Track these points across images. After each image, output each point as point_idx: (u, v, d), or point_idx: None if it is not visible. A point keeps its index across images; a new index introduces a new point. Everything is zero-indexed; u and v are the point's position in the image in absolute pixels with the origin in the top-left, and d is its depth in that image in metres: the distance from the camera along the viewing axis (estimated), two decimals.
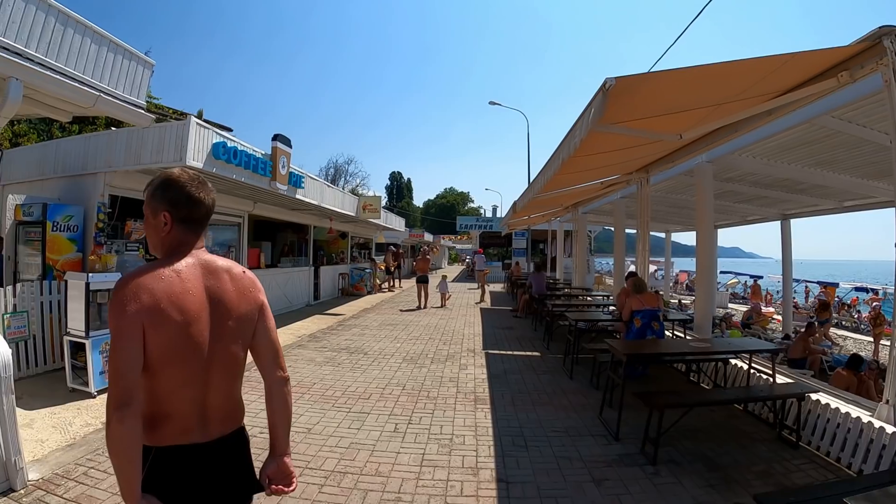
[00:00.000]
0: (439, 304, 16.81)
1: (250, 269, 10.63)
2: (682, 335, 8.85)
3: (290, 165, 10.74)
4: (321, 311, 14.84)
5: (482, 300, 18.48)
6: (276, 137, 10.02)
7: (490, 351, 9.48)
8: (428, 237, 39.99)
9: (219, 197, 8.84)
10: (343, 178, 57.94)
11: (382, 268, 25.03)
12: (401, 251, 25.57)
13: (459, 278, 34.61)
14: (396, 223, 24.02)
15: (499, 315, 14.94)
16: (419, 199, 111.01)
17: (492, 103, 29.38)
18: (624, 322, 7.55)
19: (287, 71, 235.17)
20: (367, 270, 21.15)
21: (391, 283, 23.79)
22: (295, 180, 10.89)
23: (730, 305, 22.69)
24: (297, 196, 11.25)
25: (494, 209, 43.84)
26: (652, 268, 38.99)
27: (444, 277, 17.22)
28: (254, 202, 12.24)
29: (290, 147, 10.53)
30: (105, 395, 1.77)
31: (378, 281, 23.55)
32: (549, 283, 17.02)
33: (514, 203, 12.14)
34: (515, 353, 9.42)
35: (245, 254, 12.24)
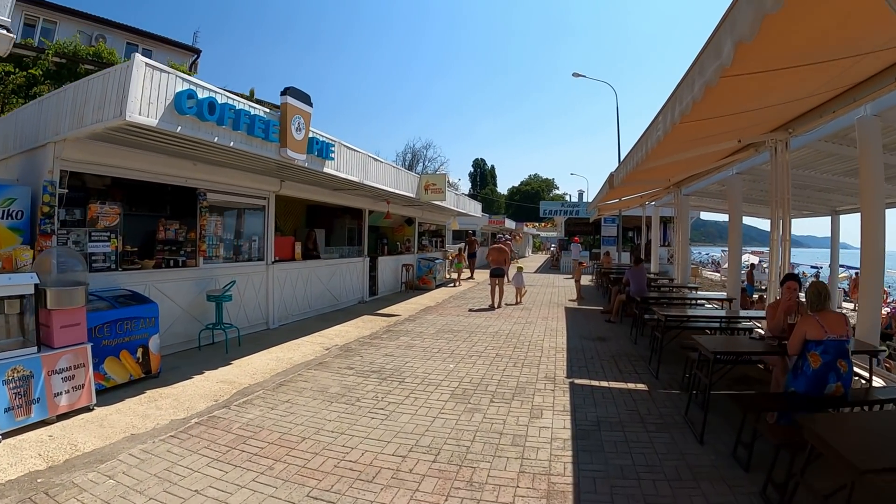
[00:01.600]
0: (514, 301, 14.09)
1: (280, 261, 6.47)
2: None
3: (314, 129, 8.34)
4: (373, 311, 12.49)
5: (579, 296, 15.57)
6: (286, 91, 7.61)
7: (577, 381, 6.63)
8: (509, 224, 36.94)
9: (229, 174, 3.79)
10: (421, 164, 56.01)
11: (456, 257, 22.56)
12: (475, 239, 22.91)
13: (543, 268, 31.53)
14: (471, 207, 21.29)
15: (587, 318, 11.99)
16: (503, 187, 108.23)
17: (575, 75, 26.37)
18: (786, 355, 4.62)
19: (366, 61, 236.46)
20: (438, 261, 18.69)
21: (464, 275, 21.24)
22: (320, 148, 8.47)
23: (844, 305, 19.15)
24: (326, 170, 8.83)
25: (580, 194, 40.43)
26: (754, 259, 34.51)
27: (520, 270, 14.44)
28: (280, 180, 9.98)
29: (310, 105, 8.11)
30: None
31: (450, 274, 21.11)
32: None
33: (610, 176, 9.20)
34: (612, 384, 6.51)
35: (270, 243, 9.99)
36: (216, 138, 6.28)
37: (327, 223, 16.41)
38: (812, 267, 33.50)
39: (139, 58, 5.44)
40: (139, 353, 6.43)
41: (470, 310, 12.99)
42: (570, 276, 23.77)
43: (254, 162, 8.01)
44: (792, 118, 6.39)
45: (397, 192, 12.27)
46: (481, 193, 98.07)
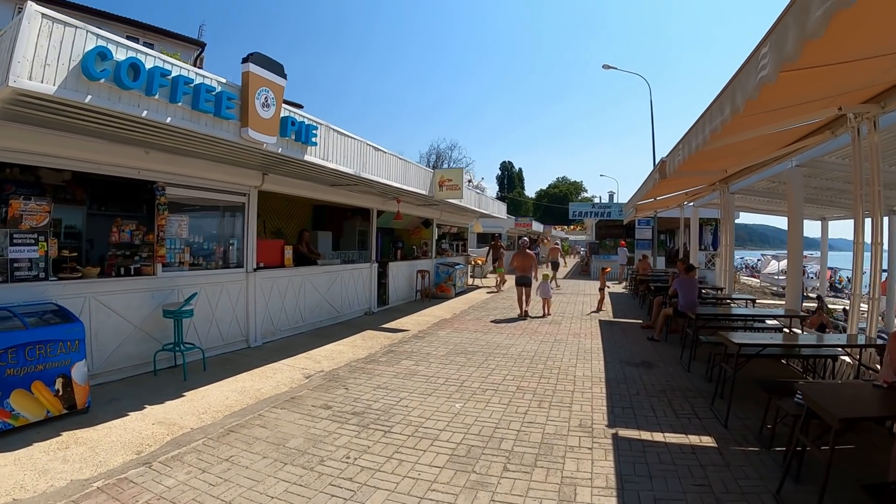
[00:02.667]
0: (541, 314, 12.44)
1: (264, 267, 8.95)
2: None
3: (290, 107, 6.86)
4: (379, 324, 10.96)
5: (599, 308, 13.76)
6: (249, 57, 6.11)
7: (621, 432, 4.93)
8: (536, 226, 35.09)
9: (194, 164, 4.24)
10: (446, 165, 54.38)
11: (480, 262, 20.92)
12: (500, 244, 21.23)
13: (572, 273, 29.70)
14: (495, 208, 19.60)
15: (626, 334, 10.24)
16: (530, 191, 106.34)
17: (606, 67, 24.62)
18: None
19: (389, 64, 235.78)
20: (459, 266, 17.10)
21: (488, 281, 19.71)
22: (298, 130, 6.95)
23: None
24: (308, 158, 7.30)
25: (611, 196, 38.27)
26: (783, 263, 32.12)
27: (546, 277, 12.70)
28: (262, 173, 8.53)
29: (283, 77, 6.63)
30: None
31: (473, 278, 19.58)
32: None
33: (661, 164, 7.35)
34: (669, 436, 4.81)
35: (251, 247, 8.54)
36: (145, 112, 4.80)
37: (336, 225, 15.03)
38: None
39: (33, 7, 4.00)
40: (58, 385, 5.01)
41: (492, 321, 11.38)
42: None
43: (220, 149, 6.57)
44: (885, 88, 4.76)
45: (406, 188, 10.70)
46: (509, 196, 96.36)
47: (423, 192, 11.46)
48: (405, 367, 7.38)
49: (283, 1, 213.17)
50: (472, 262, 20.36)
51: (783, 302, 20.35)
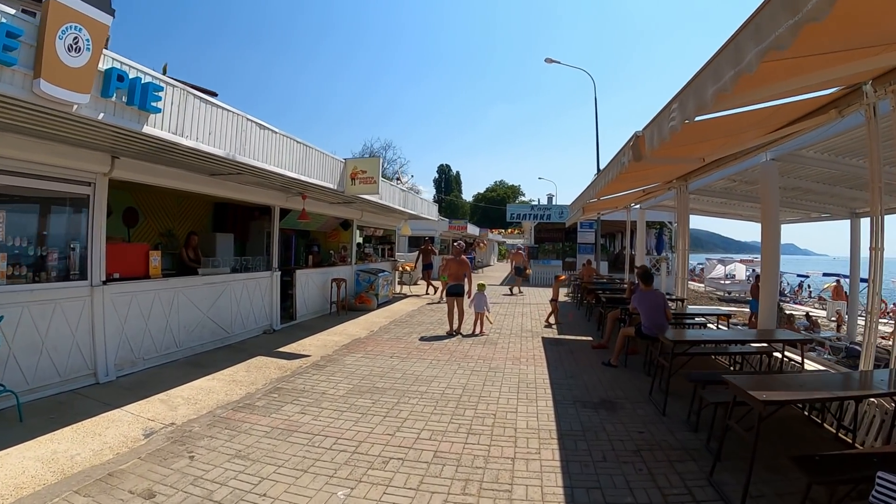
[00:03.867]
0: (473, 331, 10.63)
1: (119, 279, 6.98)
2: None
3: (120, 58, 4.83)
4: (276, 348, 8.93)
5: (556, 319, 12.17)
6: None
7: None
8: (472, 230, 33.43)
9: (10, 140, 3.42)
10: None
11: (409, 269, 19.03)
12: (431, 247, 19.38)
13: (509, 280, 28.19)
14: (424, 209, 17.61)
15: (575, 357, 8.57)
16: (468, 194, 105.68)
17: (549, 61, 23.21)
18: None
19: (340, 69, 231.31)
20: (383, 273, 15.14)
21: (418, 289, 17.94)
22: (130, 90, 4.88)
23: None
24: (149, 130, 5.22)
25: (550, 198, 37.19)
26: (741, 269, 31.92)
27: (482, 288, 10.99)
28: (111, 156, 6.39)
29: (110, 14, 4.61)
30: None
31: (402, 285, 17.71)
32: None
33: (636, 141, 5.57)
34: None
35: (99, 252, 6.40)
36: None
37: (241, 227, 12.90)
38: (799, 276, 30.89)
39: None
40: None
41: (416, 341, 9.53)
42: (546, 288, 20.72)
43: (15, 115, 4.44)
44: None
45: (305, 179, 8.61)
46: (446, 199, 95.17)
47: (331, 186, 9.41)
48: (286, 416, 5.41)
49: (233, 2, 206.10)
50: (400, 269, 18.40)
51: (735, 308, 19.47)
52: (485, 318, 10.77)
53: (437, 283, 17.41)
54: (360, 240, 17.76)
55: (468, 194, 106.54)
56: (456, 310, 10.43)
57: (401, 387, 6.57)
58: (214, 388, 6.52)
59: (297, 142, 8.40)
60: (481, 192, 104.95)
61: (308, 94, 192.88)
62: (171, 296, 7.93)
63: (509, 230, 56.31)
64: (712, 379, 5.05)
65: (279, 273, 10.76)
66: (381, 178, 10.05)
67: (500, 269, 41.16)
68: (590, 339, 10.15)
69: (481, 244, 41.74)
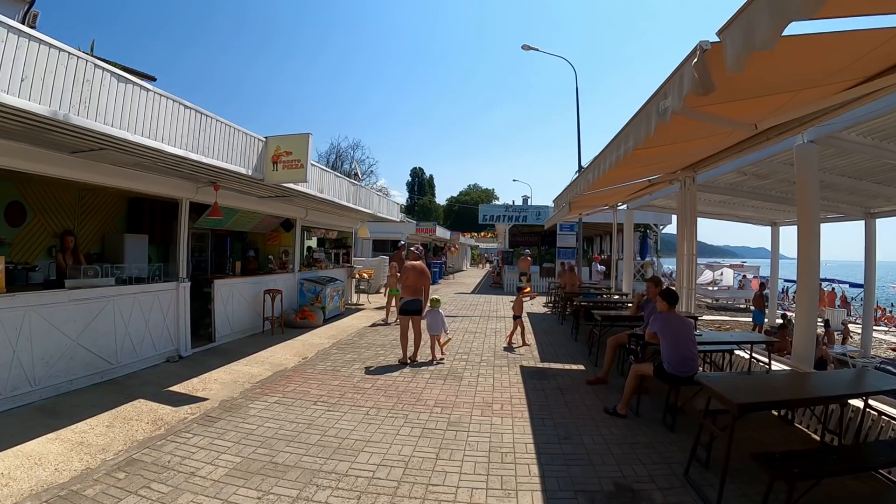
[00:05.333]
0: (430, 358, 8.48)
1: None
2: None
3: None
4: (169, 384, 6.68)
5: (521, 343, 9.97)
6: None
7: None
8: (442, 233, 31.11)
9: None
10: (347, 165, 49.48)
11: (367, 276, 16.75)
12: (403, 254, 17.08)
13: (482, 287, 26.07)
14: (384, 208, 15.18)
15: (566, 398, 6.41)
16: (441, 198, 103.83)
17: (526, 48, 21.21)
18: None
19: (308, 69, 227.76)
20: (334, 283, 12.86)
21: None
22: None
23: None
24: None
25: (525, 200, 35.23)
26: (729, 274, 30.34)
27: (435, 304, 8.74)
28: None
29: None
30: None
31: (359, 294, 15.49)
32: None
33: (683, 79, 3.52)
34: None
35: None
36: None
37: (161, 227, 10.66)
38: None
39: None
40: None
41: (357, 373, 7.32)
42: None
43: None
44: None
45: (197, 158, 6.19)
46: (419, 203, 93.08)
47: (242, 171, 7.06)
48: None
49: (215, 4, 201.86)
50: (357, 276, 16.09)
51: (727, 318, 17.63)
52: (437, 342, 8.62)
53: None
54: (311, 243, 15.46)
55: (441, 198, 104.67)
56: (412, 332, 8.24)
57: (311, 463, 4.35)
58: (48, 456, 4.37)
59: (188, 107, 6.12)
60: (455, 195, 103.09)
61: (280, 96, 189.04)
62: (20, 318, 5.73)
63: (482, 234, 54.28)
64: (814, 471, 3.06)
65: (189, 284, 8.46)
66: (310, 162, 7.72)
67: (472, 275, 39.02)
68: (581, 367, 8.05)
69: (453, 248, 39.54)
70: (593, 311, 8.84)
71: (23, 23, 4.27)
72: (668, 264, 32.61)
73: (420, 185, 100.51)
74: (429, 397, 6.24)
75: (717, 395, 3.95)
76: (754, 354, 7.00)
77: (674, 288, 6.26)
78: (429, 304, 8.66)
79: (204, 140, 6.36)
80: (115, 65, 5.57)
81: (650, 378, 5.63)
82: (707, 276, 30.34)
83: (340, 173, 11.57)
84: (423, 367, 7.81)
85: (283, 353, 8.66)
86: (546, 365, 8.18)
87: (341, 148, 52.63)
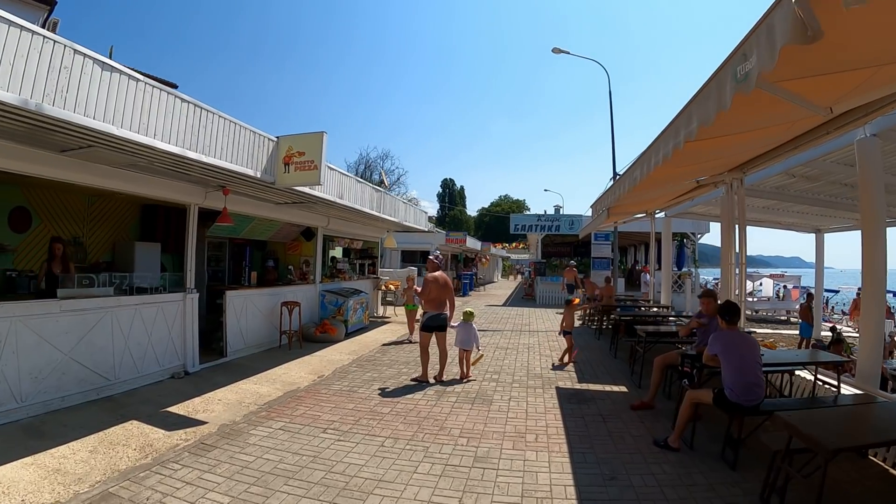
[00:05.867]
0: (459, 375, 7.73)
1: None
2: None
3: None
4: (170, 404, 6.10)
5: (569, 357, 9.04)
6: None
7: None
8: (472, 243, 30.35)
9: None
10: (376, 175, 49.14)
11: (393, 287, 16.11)
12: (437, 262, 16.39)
13: (514, 299, 25.20)
14: (411, 217, 14.50)
15: (609, 427, 5.54)
16: (472, 210, 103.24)
17: (556, 51, 20.46)
18: None
19: (331, 81, 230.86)
20: (358, 295, 12.23)
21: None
22: None
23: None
24: None
25: (557, 209, 34.27)
26: (769, 284, 28.86)
27: (468, 317, 7.98)
28: None
29: None
30: None
31: (386, 306, 14.86)
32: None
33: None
34: None
35: None
36: None
37: (177, 235, 10.23)
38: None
39: None
40: None
41: (374, 396, 6.60)
42: (555, 310, 17.60)
43: None
44: None
45: (196, 157, 5.56)
46: (450, 214, 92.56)
47: (249, 172, 6.43)
48: None
49: (236, 21, 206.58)
50: (384, 287, 15.43)
51: (769, 330, 16.45)
52: (466, 359, 7.85)
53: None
54: (336, 253, 14.87)
55: (472, 209, 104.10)
56: (440, 347, 7.52)
57: None
58: (18, 484, 3.90)
59: (185, 100, 5.53)
60: (486, 206, 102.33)
61: (327, 112, 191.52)
62: (5, 329, 5.26)
63: (514, 244, 53.34)
64: None
65: (197, 296, 7.90)
66: (325, 163, 7.03)
67: (503, 287, 38.11)
68: (623, 389, 7.19)
69: (484, 259, 38.73)
70: (636, 327, 7.95)
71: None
72: (705, 275, 31.26)
73: (451, 196, 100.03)
74: (453, 425, 5.47)
75: (806, 438, 3.37)
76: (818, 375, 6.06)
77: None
78: (462, 316, 7.93)
79: (204, 137, 5.77)
80: (137, 72, 5.04)
81: (705, 405, 4.79)
82: (746, 286, 28.87)
83: (368, 182, 10.96)
84: (449, 388, 7.05)
85: (298, 371, 8.00)
86: (584, 386, 7.34)
87: (370, 158, 52.42)
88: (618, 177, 9.67)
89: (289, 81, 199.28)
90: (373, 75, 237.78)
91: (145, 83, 5.10)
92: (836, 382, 5.63)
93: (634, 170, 6.35)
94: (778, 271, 36.20)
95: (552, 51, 20.39)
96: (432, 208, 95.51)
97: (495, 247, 46.73)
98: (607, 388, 7.25)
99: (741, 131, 4.86)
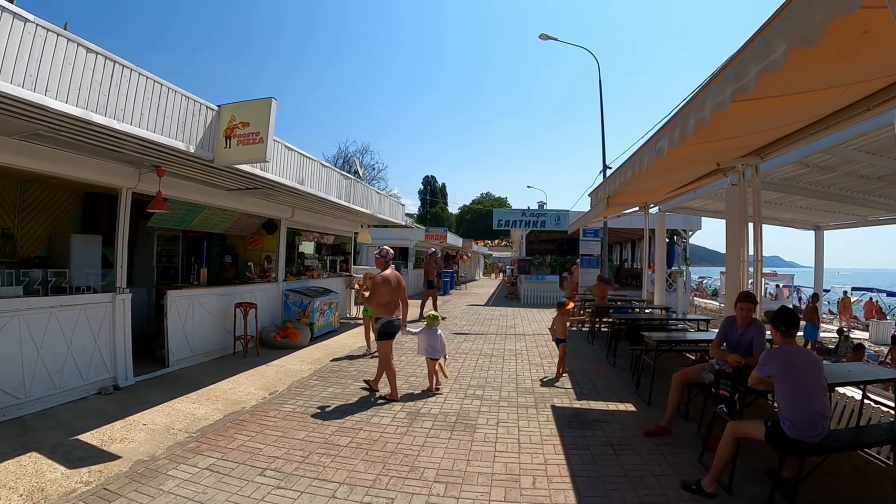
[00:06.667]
0: (427, 387, 6.77)
1: None
2: None
3: None
4: (83, 430, 4.95)
5: (561, 369, 7.84)
6: None
7: None
8: (453, 240, 29.07)
9: None
10: (351, 170, 47.68)
11: (359, 287, 14.93)
12: (438, 257, 15.24)
13: (496, 299, 24.12)
14: (384, 208, 13.08)
15: (622, 459, 4.53)
16: (454, 208, 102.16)
17: (544, 37, 19.42)
18: None
19: (318, 78, 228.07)
20: (327, 294, 11.06)
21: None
22: None
23: None
24: None
25: (541, 206, 33.30)
26: (771, 284, 28.19)
27: (432, 322, 6.99)
28: None
29: None
30: None
31: (355, 309, 13.75)
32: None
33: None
34: None
35: None
36: None
37: (130, 227, 9.07)
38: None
39: None
40: None
41: (343, 412, 5.48)
42: (540, 310, 16.53)
43: None
44: None
45: (104, 123, 4.34)
46: (431, 212, 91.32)
47: (179, 146, 5.23)
48: None
49: (221, 13, 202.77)
50: (357, 286, 14.26)
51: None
52: (434, 370, 6.80)
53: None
54: (308, 249, 13.67)
55: (454, 207, 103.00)
56: (386, 360, 6.46)
57: None
58: None
59: (92, 50, 4.33)
60: (467, 203, 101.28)
61: (289, 102, 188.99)
62: None
63: (496, 241, 52.37)
64: None
65: (129, 296, 6.70)
66: (273, 136, 5.79)
67: (485, 285, 37.07)
68: (630, 408, 6.14)
69: (465, 256, 37.68)
70: (643, 333, 6.90)
71: None
72: (697, 274, 30.52)
73: (433, 193, 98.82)
74: (428, 463, 4.34)
75: None
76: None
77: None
78: (427, 319, 6.89)
79: (118, 98, 4.57)
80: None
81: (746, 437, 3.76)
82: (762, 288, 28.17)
83: (337, 169, 9.74)
84: (423, 407, 5.94)
85: (248, 385, 6.83)
86: (585, 404, 6.28)
87: (349, 152, 50.88)
88: (609, 170, 8.73)
89: (274, 80, 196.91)
90: (361, 76, 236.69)
91: (37, 24, 3.92)
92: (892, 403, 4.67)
93: (643, 153, 5.33)
94: (769, 270, 35.64)
95: (540, 37, 19.33)
96: (414, 206, 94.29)
97: (477, 244, 45.70)
98: (611, 406, 6.19)
99: (790, 93, 3.81)
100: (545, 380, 7.49)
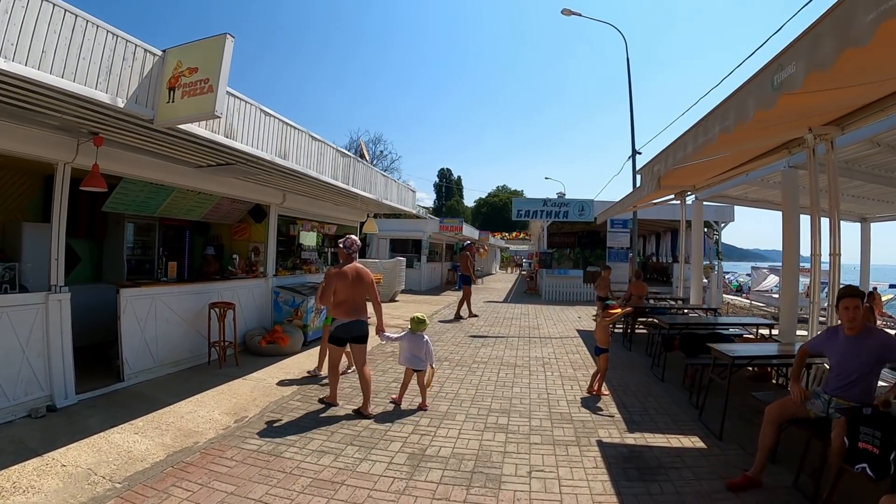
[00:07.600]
0: (414, 407, 5.55)
1: None
2: None
3: None
4: None
5: (597, 388, 6.38)
6: None
7: None
8: (469, 231, 27.45)
9: None
10: (372, 162, 46.10)
11: (377, 281, 13.57)
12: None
13: (515, 295, 22.63)
14: (391, 193, 11.46)
15: None
16: (469, 201, 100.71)
17: (566, 12, 17.93)
18: None
19: (342, 72, 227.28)
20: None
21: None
22: None
23: None
24: None
25: (561, 196, 31.68)
26: (775, 277, 26.54)
27: (418, 326, 5.62)
28: None
29: None
30: None
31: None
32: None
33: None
34: None
35: None
36: None
37: (91, 216, 8.05)
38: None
39: None
40: None
41: (321, 456, 4.14)
42: (564, 307, 14.95)
43: None
44: None
45: (62, 88, 3.17)
46: (446, 205, 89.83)
47: (103, 98, 3.88)
48: None
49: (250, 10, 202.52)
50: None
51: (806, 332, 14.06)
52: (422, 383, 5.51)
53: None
54: (310, 240, 12.32)
55: (469, 201, 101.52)
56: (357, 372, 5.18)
57: None
58: None
59: None
60: (483, 197, 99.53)
61: (314, 98, 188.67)
62: None
63: (513, 234, 50.78)
64: None
65: (68, 296, 5.40)
66: (226, 85, 4.30)
67: (503, 280, 35.62)
68: (696, 442, 4.71)
69: (482, 249, 36.25)
70: (710, 345, 5.40)
71: None
72: (729, 269, 28.80)
73: (448, 187, 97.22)
74: None
75: None
76: None
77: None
78: (412, 323, 5.57)
79: (11, 32, 3.23)
80: None
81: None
82: (771, 281, 26.47)
83: (332, 145, 8.33)
84: (427, 446, 4.57)
85: (213, 407, 5.49)
86: (639, 437, 4.85)
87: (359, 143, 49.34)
88: (638, 156, 7.30)
89: (297, 77, 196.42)
90: (383, 73, 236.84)
91: None
92: None
93: (715, 119, 3.96)
94: (778, 265, 33.75)
95: (562, 12, 17.84)
96: (429, 199, 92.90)
97: (493, 236, 44.21)
98: (673, 441, 4.76)
99: None
100: (584, 399, 6.09)
